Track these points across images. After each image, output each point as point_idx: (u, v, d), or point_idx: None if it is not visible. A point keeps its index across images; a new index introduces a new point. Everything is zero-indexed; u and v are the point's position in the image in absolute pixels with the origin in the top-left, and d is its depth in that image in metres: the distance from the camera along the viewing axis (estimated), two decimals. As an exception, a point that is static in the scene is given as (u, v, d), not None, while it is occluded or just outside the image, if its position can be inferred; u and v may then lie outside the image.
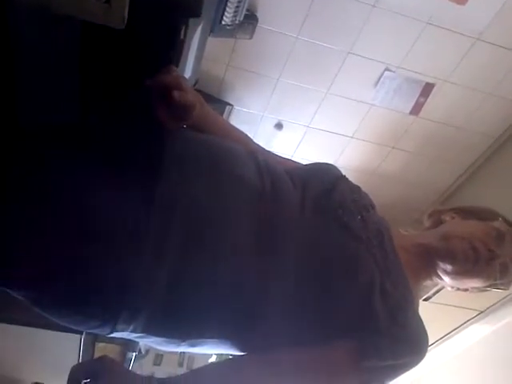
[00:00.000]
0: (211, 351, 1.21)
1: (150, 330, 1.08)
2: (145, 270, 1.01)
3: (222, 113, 3.11)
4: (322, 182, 1.26)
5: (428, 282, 1.38)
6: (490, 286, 1.36)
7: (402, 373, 1.20)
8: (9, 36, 0.93)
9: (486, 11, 2.76)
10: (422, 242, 1.36)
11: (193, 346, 1.14)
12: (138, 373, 1.05)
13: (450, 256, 1.29)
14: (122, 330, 1.07)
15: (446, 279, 1.33)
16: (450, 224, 1.40)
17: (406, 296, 1.22)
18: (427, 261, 1.32)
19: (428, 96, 3.17)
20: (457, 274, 1.30)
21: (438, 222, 1.43)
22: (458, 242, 1.29)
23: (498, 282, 1.32)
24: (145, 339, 1.13)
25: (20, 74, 1.01)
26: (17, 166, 1.07)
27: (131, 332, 1.07)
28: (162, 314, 1.05)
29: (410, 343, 1.18)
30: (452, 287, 1.39)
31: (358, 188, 1.33)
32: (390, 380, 1.18)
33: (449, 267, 1.29)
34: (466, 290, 1.41)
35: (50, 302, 1.06)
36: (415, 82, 3.10)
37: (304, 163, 1.42)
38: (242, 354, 1.15)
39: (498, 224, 1.35)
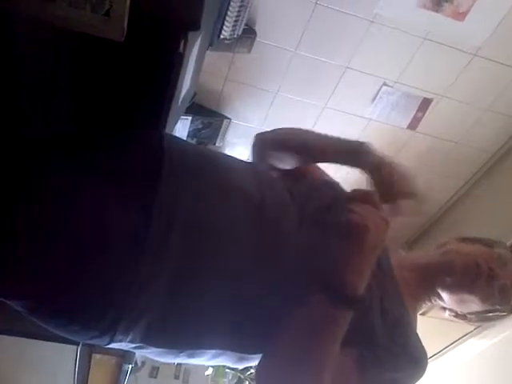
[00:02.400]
0: (208, 362, 1.21)
1: (148, 340, 1.07)
2: (144, 280, 1.01)
3: (219, 126, 3.12)
4: (322, 198, 1.26)
5: (427, 304, 1.38)
6: (488, 311, 1.35)
7: None
8: (8, 47, 0.94)
9: (484, 27, 2.78)
10: (421, 261, 1.37)
11: (191, 356, 1.14)
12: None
13: (450, 268, 1.29)
14: (120, 341, 1.07)
15: (446, 296, 1.32)
16: (453, 244, 1.40)
17: (402, 314, 1.22)
18: (426, 280, 1.32)
19: (425, 111, 3.19)
20: (456, 287, 1.30)
21: (442, 246, 1.43)
22: (460, 256, 1.30)
23: (497, 306, 1.32)
24: (143, 350, 1.13)
25: (18, 86, 1.02)
26: (14, 176, 1.07)
27: (129, 342, 1.07)
28: (161, 324, 1.05)
29: (409, 358, 1.18)
30: (450, 311, 1.39)
31: None
32: None
33: (448, 280, 1.30)
34: (465, 317, 1.40)
35: (48, 312, 1.06)
36: (413, 97, 3.12)
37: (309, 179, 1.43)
38: (241, 366, 1.15)
39: (501, 250, 1.35)
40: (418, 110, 3.18)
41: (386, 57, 2.93)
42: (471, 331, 3.16)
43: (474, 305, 1.33)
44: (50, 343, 2.27)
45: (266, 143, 1.48)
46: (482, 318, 1.40)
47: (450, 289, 1.31)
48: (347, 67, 2.97)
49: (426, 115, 3.20)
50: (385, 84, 3.05)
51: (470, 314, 1.38)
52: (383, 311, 1.17)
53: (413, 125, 3.25)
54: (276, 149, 1.45)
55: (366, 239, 1.02)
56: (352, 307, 1.02)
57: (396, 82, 3.05)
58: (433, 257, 1.37)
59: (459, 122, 3.25)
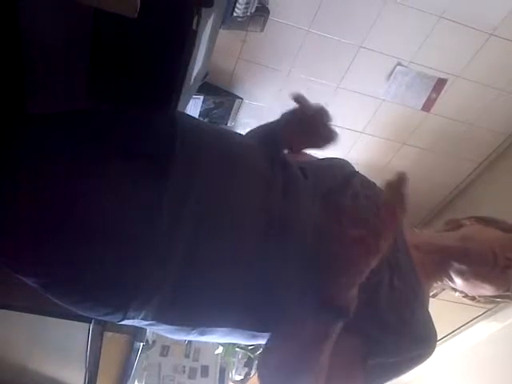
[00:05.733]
0: (220, 340, 1.22)
1: (160, 317, 1.08)
2: (157, 258, 1.01)
3: (231, 106, 3.10)
4: (335, 176, 1.26)
5: (438, 283, 1.37)
6: (499, 297, 1.35)
7: (408, 368, 1.19)
8: (19, 21, 0.93)
9: (501, 6, 2.73)
10: (436, 242, 1.36)
11: (202, 334, 1.15)
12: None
13: (467, 257, 1.28)
14: (133, 318, 1.08)
15: (459, 281, 1.32)
16: (469, 228, 1.39)
17: (415, 291, 1.21)
18: (440, 261, 1.32)
19: (440, 92, 3.14)
20: (471, 276, 1.29)
21: (456, 226, 1.42)
22: (478, 244, 1.29)
23: (509, 292, 1.32)
24: (155, 327, 1.13)
25: (30, 60, 1.01)
26: (25, 152, 1.07)
27: (142, 319, 1.08)
28: (173, 301, 1.05)
29: (415, 338, 1.18)
30: (461, 293, 1.39)
31: (373, 184, 1.34)
32: (396, 376, 1.18)
33: (464, 268, 1.29)
34: (474, 298, 1.40)
35: (63, 288, 1.07)
36: (427, 78, 3.08)
37: (319, 158, 1.43)
38: (253, 343, 1.16)
39: None
40: (432, 91, 3.13)
41: (401, 36, 2.89)
42: (481, 314, 3.16)
43: (485, 291, 1.33)
44: (62, 320, 2.29)
45: None
46: (491, 301, 1.40)
47: (464, 275, 1.30)
48: (361, 46, 2.93)
49: (440, 96, 3.16)
50: (399, 64, 3.01)
51: (479, 296, 1.38)
52: (393, 289, 1.17)
53: (427, 106, 3.21)
54: None
55: (355, 267, 0.99)
56: (341, 318, 1.00)
57: (410, 62, 3.01)
58: (449, 240, 1.36)
59: (474, 103, 3.20)
